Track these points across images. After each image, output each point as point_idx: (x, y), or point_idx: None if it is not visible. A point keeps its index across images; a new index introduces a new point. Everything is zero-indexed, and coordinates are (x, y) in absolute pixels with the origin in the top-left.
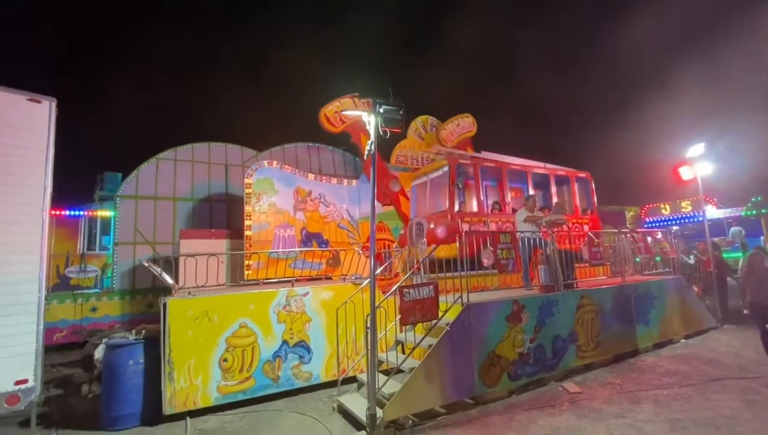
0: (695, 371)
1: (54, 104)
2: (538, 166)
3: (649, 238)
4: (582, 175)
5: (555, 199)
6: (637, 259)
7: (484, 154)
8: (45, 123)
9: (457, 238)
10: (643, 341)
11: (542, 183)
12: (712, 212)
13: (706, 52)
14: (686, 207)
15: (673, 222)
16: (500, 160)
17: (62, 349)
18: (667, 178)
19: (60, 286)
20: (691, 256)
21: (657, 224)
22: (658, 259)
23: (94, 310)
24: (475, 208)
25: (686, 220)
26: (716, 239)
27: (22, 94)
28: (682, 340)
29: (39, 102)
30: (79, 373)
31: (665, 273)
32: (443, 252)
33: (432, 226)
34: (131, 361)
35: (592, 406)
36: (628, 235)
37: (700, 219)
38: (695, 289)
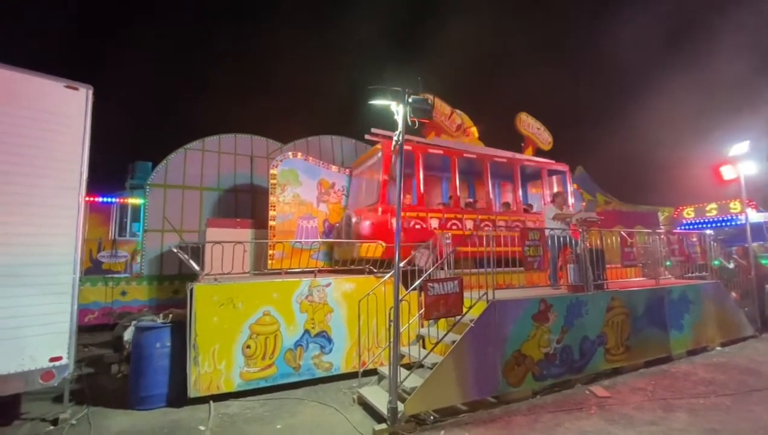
0: (733, 380)
1: (91, 92)
2: (500, 156)
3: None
4: (558, 167)
5: (517, 196)
6: (668, 263)
7: (436, 140)
8: (82, 110)
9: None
10: (676, 347)
11: (507, 175)
12: (752, 216)
13: (747, 43)
14: (725, 209)
15: (711, 225)
16: (450, 148)
17: (94, 330)
18: (704, 177)
19: (92, 269)
20: (715, 263)
21: (691, 226)
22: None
23: (123, 293)
24: (414, 202)
25: (722, 224)
26: (755, 244)
27: (60, 81)
28: (718, 348)
29: (76, 89)
30: (110, 354)
31: (702, 277)
32: (368, 252)
33: (356, 220)
34: (159, 344)
35: (622, 412)
36: (662, 236)
37: (741, 222)
38: (733, 294)
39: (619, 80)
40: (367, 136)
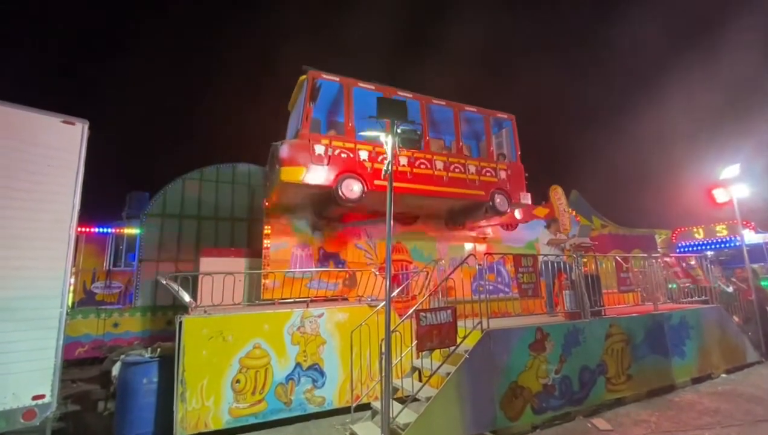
0: (739, 410)
1: (86, 126)
2: (438, 100)
3: (684, 264)
4: (503, 116)
5: (459, 141)
6: (673, 286)
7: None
8: (77, 144)
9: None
10: (679, 375)
11: (446, 123)
12: (751, 237)
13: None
14: (721, 231)
15: (708, 247)
16: (383, 87)
17: (83, 363)
18: (700, 200)
19: (85, 300)
20: (730, 284)
21: (690, 249)
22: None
23: (116, 325)
24: (343, 133)
25: (722, 245)
26: (756, 266)
27: (57, 116)
28: (723, 375)
29: (73, 124)
30: (97, 390)
31: (701, 301)
32: (291, 176)
33: (279, 144)
34: (145, 380)
35: None
36: (659, 259)
37: (738, 244)
38: (735, 319)
39: (615, 107)
40: (303, 68)
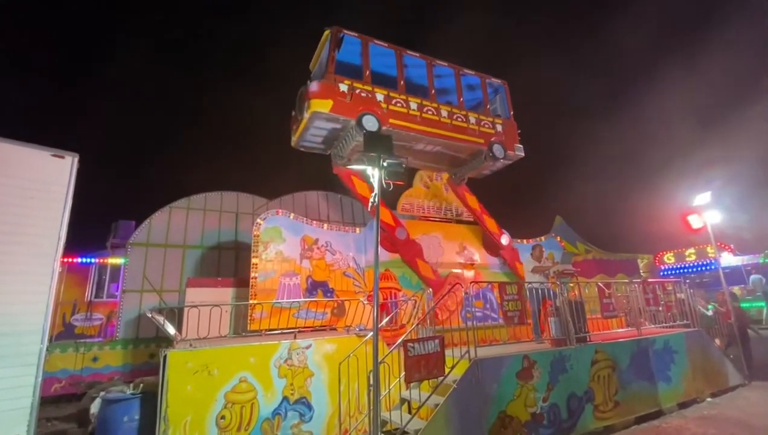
0: None
1: (76, 159)
2: (441, 62)
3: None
4: (497, 81)
5: (460, 97)
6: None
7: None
8: (66, 177)
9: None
10: (665, 400)
11: (446, 79)
12: (729, 259)
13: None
14: (702, 254)
15: (690, 270)
16: (394, 45)
17: (60, 400)
18: (678, 226)
19: (64, 334)
20: (709, 308)
21: (672, 272)
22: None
23: (95, 359)
24: (360, 77)
25: (704, 268)
26: (736, 288)
27: (47, 150)
28: (708, 399)
29: (62, 157)
30: (74, 429)
31: (683, 325)
32: (318, 106)
33: (309, 84)
34: (126, 418)
35: None
36: (640, 285)
37: (722, 266)
38: (717, 342)
39: (596, 135)
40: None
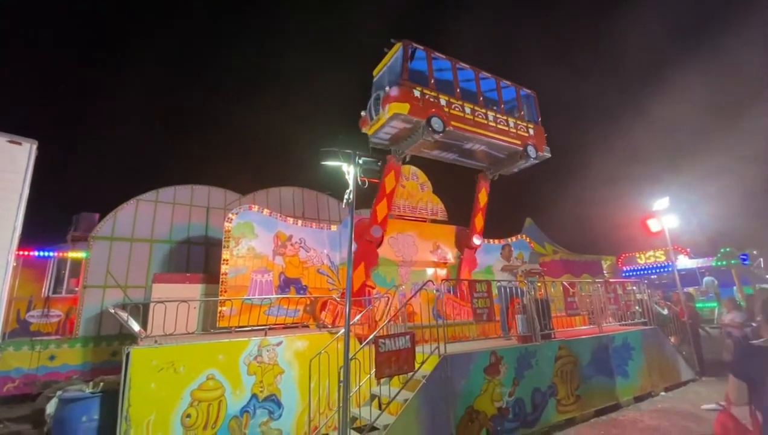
0: (676, 427)
1: (35, 146)
2: (486, 73)
3: (633, 288)
4: (527, 91)
5: (502, 105)
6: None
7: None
8: (23, 165)
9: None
10: (623, 394)
11: (488, 88)
12: (685, 262)
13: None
14: (660, 256)
15: (650, 271)
16: (450, 57)
17: (13, 401)
18: (639, 229)
19: (18, 331)
20: (665, 307)
21: (634, 273)
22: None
23: (52, 358)
24: (428, 85)
25: (662, 270)
26: (691, 289)
27: (2, 135)
28: (662, 393)
29: (20, 144)
30: (29, 430)
31: (641, 323)
32: (396, 109)
33: (387, 89)
34: (85, 417)
35: None
36: (602, 285)
37: (679, 268)
38: (672, 339)
39: (565, 141)
40: (391, 41)
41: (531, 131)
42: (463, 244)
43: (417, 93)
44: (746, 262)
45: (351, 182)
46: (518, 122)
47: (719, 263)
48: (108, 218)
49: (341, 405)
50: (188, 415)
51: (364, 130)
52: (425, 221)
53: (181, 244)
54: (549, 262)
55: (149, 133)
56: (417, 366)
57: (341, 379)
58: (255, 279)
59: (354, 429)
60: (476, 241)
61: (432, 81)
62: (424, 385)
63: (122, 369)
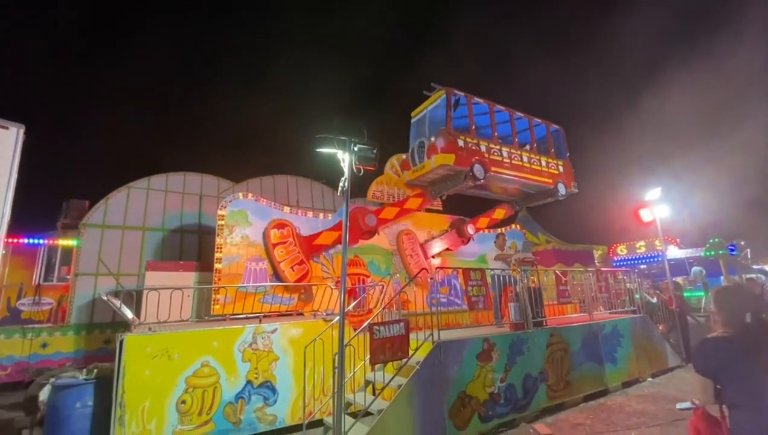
0: (662, 411)
1: (22, 131)
2: (519, 112)
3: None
4: (556, 126)
5: (534, 141)
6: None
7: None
8: (10, 149)
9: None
10: (611, 380)
11: (522, 128)
12: (674, 252)
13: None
14: (651, 247)
15: (641, 261)
16: (488, 101)
17: (5, 389)
18: (631, 219)
19: (9, 319)
20: (654, 295)
21: (625, 263)
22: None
23: (44, 346)
24: (468, 131)
25: (653, 260)
26: (679, 279)
27: None
28: (649, 379)
29: (6, 128)
30: (21, 417)
31: (631, 311)
32: (443, 160)
33: (432, 139)
34: (79, 404)
35: None
36: (593, 274)
37: (668, 258)
38: (660, 327)
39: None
40: (432, 86)
41: (561, 168)
42: (454, 229)
43: (461, 142)
44: (734, 253)
45: (346, 170)
46: (549, 160)
47: (708, 253)
48: (99, 205)
49: (336, 391)
50: (183, 401)
51: (405, 174)
52: (420, 210)
53: (173, 232)
54: (542, 252)
55: (140, 121)
56: (411, 352)
57: (336, 365)
58: (249, 267)
59: (348, 414)
60: (470, 230)
61: (473, 127)
62: (418, 371)
63: (116, 356)
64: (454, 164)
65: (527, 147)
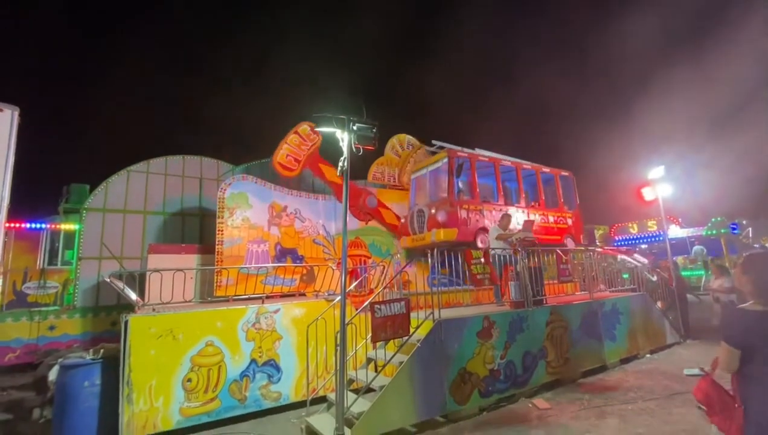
0: (659, 386)
1: (17, 113)
2: (526, 164)
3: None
4: (565, 173)
5: (542, 196)
6: (625, 276)
7: (477, 151)
8: (5, 132)
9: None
10: (610, 357)
11: (529, 179)
12: (676, 232)
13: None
14: (652, 226)
15: (642, 240)
16: (493, 157)
17: (14, 370)
18: (632, 198)
19: (15, 302)
20: (654, 274)
21: (625, 243)
22: (625, 275)
23: (52, 328)
24: (471, 197)
25: (653, 239)
26: (679, 258)
27: None
28: (648, 355)
29: (1, 111)
30: (31, 397)
31: (630, 289)
32: (444, 236)
33: (433, 211)
34: (87, 383)
35: (559, 422)
36: (595, 253)
37: (670, 237)
38: (659, 304)
39: (560, 116)
40: (433, 143)
41: (569, 221)
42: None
43: (463, 213)
44: (735, 232)
45: (345, 149)
46: (558, 215)
47: (709, 232)
48: (99, 190)
49: (338, 368)
50: (189, 380)
51: (403, 239)
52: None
53: (174, 215)
54: None
55: (140, 104)
56: (412, 331)
57: (338, 343)
58: (251, 249)
59: (351, 390)
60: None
61: (477, 191)
62: (419, 348)
63: (122, 336)
64: (456, 238)
65: (534, 203)
